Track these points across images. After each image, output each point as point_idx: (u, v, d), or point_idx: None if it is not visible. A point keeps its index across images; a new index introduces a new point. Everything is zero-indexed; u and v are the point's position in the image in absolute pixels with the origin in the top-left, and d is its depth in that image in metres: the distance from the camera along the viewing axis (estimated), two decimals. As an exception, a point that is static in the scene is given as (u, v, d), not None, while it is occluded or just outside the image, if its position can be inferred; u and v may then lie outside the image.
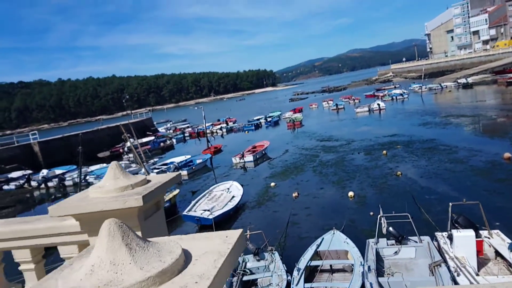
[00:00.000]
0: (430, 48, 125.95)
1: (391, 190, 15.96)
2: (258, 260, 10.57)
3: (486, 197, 12.94)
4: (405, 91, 58.96)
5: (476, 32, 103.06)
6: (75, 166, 34.09)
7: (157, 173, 26.90)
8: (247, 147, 32.65)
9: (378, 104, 45.26)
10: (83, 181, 28.23)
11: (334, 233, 11.08)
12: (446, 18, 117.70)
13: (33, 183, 30.01)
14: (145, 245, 1.19)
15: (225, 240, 1.38)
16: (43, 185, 29.49)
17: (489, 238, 9.16)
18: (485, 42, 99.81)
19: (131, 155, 40.35)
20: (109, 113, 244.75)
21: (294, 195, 17.17)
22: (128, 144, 45.52)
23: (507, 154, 17.11)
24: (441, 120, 31.60)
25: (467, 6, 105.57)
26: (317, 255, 10.33)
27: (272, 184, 19.76)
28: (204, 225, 14.84)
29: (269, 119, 53.01)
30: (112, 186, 2.13)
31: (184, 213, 15.24)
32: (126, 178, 2.23)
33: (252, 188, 19.49)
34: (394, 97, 54.71)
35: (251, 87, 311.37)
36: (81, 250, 2.40)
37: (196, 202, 16.44)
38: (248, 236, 11.01)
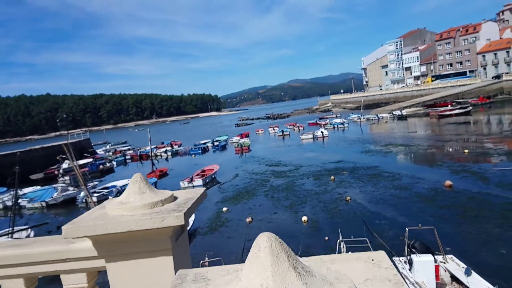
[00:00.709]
0: (366, 82, 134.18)
1: (343, 215, 16.26)
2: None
3: (433, 223, 13.55)
4: (345, 120, 61.87)
5: (408, 68, 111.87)
6: (5, 188, 31.28)
7: (98, 197, 25.39)
8: (195, 171, 31.99)
9: (322, 132, 46.87)
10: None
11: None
12: (381, 54, 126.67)
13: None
14: (309, 270, 0.94)
15: (375, 264, 1.15)
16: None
17: (444, 263, 9.49)
18: (417, 78, 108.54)
19: (67, 177, 37.88)
20: (41, 133, 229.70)
21: (247, 220, 16.88)
22: (64, 165, 42.81)
23: (448, 182, 18.26)
24: (381, 148, 33.29)
25: (401, 44, 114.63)
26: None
27: (224, 209, 19.34)
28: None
29: (216, 143, 52.60)
30: (138, 201, 1.81)
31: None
32: (153, 193, 1.91)
33: (204, 213, 18.88)
34: (336, 126, 57.07)
35: (195, 111, 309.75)
36: (91, 279, 2.00)
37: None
38: (206, 263, 10.52)
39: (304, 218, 15.98)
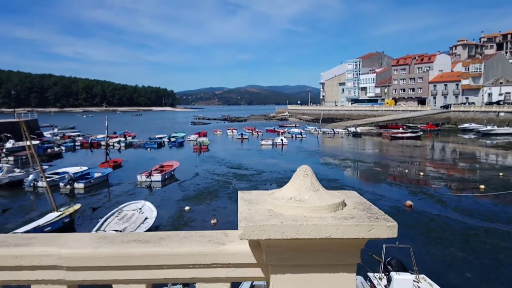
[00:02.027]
0: (323, 96, 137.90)
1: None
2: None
3: (399, 241, 13.96)
4: (303, 131, 63.03)
5: (364, 88, 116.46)
6: None
7: (49, 182, 23.67)
8: (151, 165, 30.85)
9: (282, 140, 47.32)
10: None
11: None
12: (340, 71, 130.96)
13: None
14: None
15: None
16: None
17: (417, 282, 9.68)
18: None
19: (10, 158, 35.12)
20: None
21: (212, 221, 16.42)
22: (8, 145, 39.71)
23: (408, 202, 18.93)
24: (340, 162, 34.11)
25: (359, 64, 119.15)
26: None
27: (187, 208, 18.71)
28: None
29: (173, 139, 51.27)
30: (317, 201, 1.47)
31: (93, 231, 13.32)
32: (327, 192, 1.59)
33: (164, 211, 18.12)
34: (294, 135, 57.89)
35: (148, 104, 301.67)
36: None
37: (105, 221, 14.60)
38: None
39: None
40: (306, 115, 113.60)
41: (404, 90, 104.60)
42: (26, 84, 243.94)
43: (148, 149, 44.95)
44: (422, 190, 22.87)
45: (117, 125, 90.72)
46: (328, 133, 63.32)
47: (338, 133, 63.56)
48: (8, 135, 41.59)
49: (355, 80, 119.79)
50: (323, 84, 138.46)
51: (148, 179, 25.30)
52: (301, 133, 58.94)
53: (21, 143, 42.81)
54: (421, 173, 27.83)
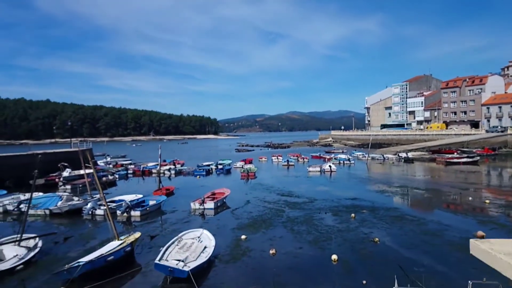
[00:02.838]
0: (369, 121, 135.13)
1: (374, 257, 15.31)
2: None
3: (476, 276, 12.72)
4: (350, 157, 61.52)
5: (412, 112, 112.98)
6: (5, 191, 30.10)
7: (104, 210, 24.26)
8: (201, 192, 31.05)
9: (330, 166, 46.28)
10: (15, 209, 24.74)
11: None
12: (385, 95, 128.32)
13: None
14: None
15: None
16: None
17: None
18: (420, 122, 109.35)
19: (68, 186, 36.68)
20: (36, 138, 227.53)
21: (271, 252, 15.88)
22: (65, 174, 41.55)
23: (480, 233, 17.46)
24: (397, 190, 32.59)
25: (406, 87, 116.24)
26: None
27: (243, 236, 18.32)
28: (177, 278, 12.94)
29: (220, 167, 51.68)
30: None
31: (156, 261, 13.23)
32: None
33: (221, 239, 17.79)
34: (342, 162, 56.55)
35: (193, 132, 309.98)
36: None
37: (166, 250, 14.49)
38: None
39: (334, 256, 15.01)
40: (351, 140, 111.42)
41: (455, 113, 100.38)
42: (79, 115, 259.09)
43: (198, 176, 45.48)
44: (491, 219, 21.14)
45: (165, 153, 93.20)
46: (378, 159, 61.34)
47: (388, 158, 61.43)
48: (66, 164, 43.61)
49: (402, 104, 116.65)
50: (368, 108, 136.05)
51: (201, 207, 25.33)
52: (349, 159, 57.48)
53: (76, 172, 44.83)
54: (487, 201, 25.89)
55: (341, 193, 30.83)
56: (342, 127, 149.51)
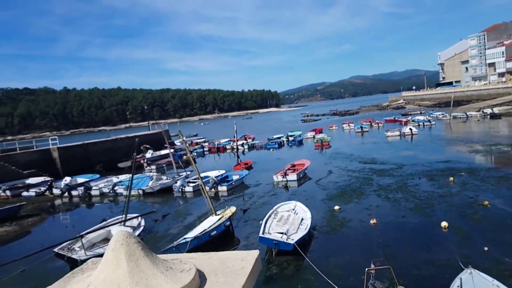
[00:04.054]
0: (443, 78, 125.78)
1: (489, 222, 13.95)
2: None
3: None
4: (429, 117, 57.67)
5: (492, 64, 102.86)
6: (97, 175, 32.18)
7: (193, 187, 25.01)
8: (278, 165, 30.96)
9: (410, 129, 43.69)
10: (111, 192, 26.29)
11: (471, 273, 9.05)
12: (461, 49, 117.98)
13: (55, 191, 27.87)
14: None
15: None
16: (66, 194, 27.34)
17: None
18: (501, 75, 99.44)
19: (153, 167, 38.40)
20: (111, 124, 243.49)
21: (372, 222, 15.13)
22: (148, 155, 43.63)
23: None
24: (491, 148, 29.84)
25: (484, 38, 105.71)
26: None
27: (336, 207, 17.73)
28: (282, 250, 12.77)
29: (291, 138, 51.16)
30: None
31: (260, 235, 13.16)
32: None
33: (313, 211, 17.17)
34: (421, 123, 53.16)
35: (255, 107, 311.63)
36: None
37: (266, 223, 14.38)
38: (373, 272, 8.99)
39: (444, 223, 13.91)
40: (425, 100, 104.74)
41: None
42: (149, 99, 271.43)
43: (271, 149, 45.42)
44: None
45: (232, 129, 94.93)
46: (460, 117, 56.89)
47: (471, 116, 56.68)
48: (147, 146, 45.73)
49: (481, 56, 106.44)
50: (442, 64, 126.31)
51: (284, 179, 25.11)
52: (429, 121, 53.84)
53: (157, 153, 46.94)
54: None
55: (430, 156, 28.86)
56: (414, 87, 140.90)
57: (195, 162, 18.19)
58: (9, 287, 12.44)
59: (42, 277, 13.01)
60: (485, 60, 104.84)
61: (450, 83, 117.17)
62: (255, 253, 1.76)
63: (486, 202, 15.93)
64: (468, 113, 58.00)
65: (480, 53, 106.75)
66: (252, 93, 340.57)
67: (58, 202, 26.59)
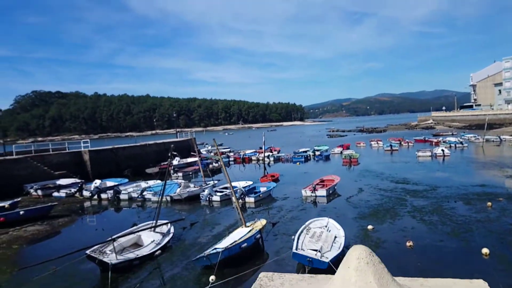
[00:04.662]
0: (475, 99, 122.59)
1: (535, 252, 13.18)
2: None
3: None
4: (461, 139, 56.04)
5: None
6: (126, 180, 32.53)
7: (221, 197, 24.90)
8: (305, 179, 30.74)
9: (443, 150, 42.51)
10: (139, 196, 26.47)
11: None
12: (494, 71, 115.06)
13: (85, 193, 28.33)
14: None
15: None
16: (95, 196, 27.75)
17: None
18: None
19: (180, 174, 38.62)
20: (138, 131, 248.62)
21: (408, 244, 14.55)
22: (175, 162, 43.97)
23: None
24: (530, 174, 28.57)
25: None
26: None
27: (370, 227, 17.19)
28: (315, 268, 12.38)
29: (318, 153, 50.64)
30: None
31: (294, 250, 12.84)
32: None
33: (345, 228, 16.73)
34: (453, 145, 51.67)
35: (279, 119, 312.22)
36: None
37: (298, 239, 14.05)
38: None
39: (485, 250, 13.22)
40: (456, 122, 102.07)
41: None
42: (176, 107, 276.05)
43: (298, 163, 45.02)
44: None
45: (257, 140, 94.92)
46: (494, 141, 55.00)
47: (505, 140, 54.72)
48: (175, 153, 46.14)
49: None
50: (473, 86, 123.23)
51: (313, 194, 24.70)
52: (461, 142, 52.29)
53: (184, 160, 47.27)
54: None
55: (464, 179, 27.86)
56: (444, 108, 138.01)
57: (227, 172, 17.94)
58: (40, 287, 12.51)
59: (73, 278, 13.08)
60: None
61: (470, 106, 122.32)
62: (481, 283, 1.41)
63: (530, 231, 15.11)
64: (502, 137, 56.03)
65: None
66: (277, 106, 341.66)
67: (87, 204, 26.97)
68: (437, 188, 25.01)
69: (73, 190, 28.98)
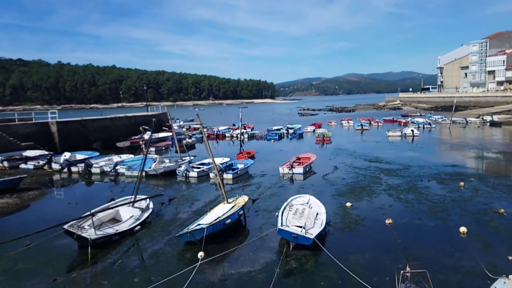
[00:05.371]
0: (441, 82, 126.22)
1: (509, 231, 13.75)
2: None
3: None
4: (429, 120, 57.81)
5: (491, 72, 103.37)
6: (97, 153, 31.42)
7: (198, 173, 24.56)
8: (281, 156, 30.92)
9: (412, 130, 43.65)
10: (112, 171, 25.68)
11: (506, 283, 8.79)
12: (461, 54, 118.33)
13: (54, 166, 27.14)
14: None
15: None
16: (65, 169, 26.65)
17: None
18: (500, 83, 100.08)
19: (152, 149, 37.70)
20: (104, 103, 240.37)
21: (387, 222, 14.85)
22: (146, 136, 42.85)
23: None
24: (498, 156, 29.85)
25: (486, 45, 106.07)
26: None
27: (348, 204, 17.44)
28: (299, 244, 12.43)
29: (291, 131, 50.84)
30: None
31: (279, 227, 12.77)
32: None
33: (325, 206, 16.83)
34: (421, 126, 53.24)
35: (250, 96, 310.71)
36: None
37: (282, 216, 14.02)
38: (408, 275, 8.70)
39: (463, 229, 13.69)
40: (422, 103, 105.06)
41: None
42: (143, 80, 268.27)
43: (272, 140, 45.05)
44: None
45: (229, 117, 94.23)
46: (460, 123, 57.10)
47: (471, 122, 56.94)
48: (146, 127, 45.00)
49: (481, 63, 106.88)
50: (441, 68, 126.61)
51: (290, 171, 24.80)
52: (429, 123, 53.93)
53: (155, 135, 46.17)
54: None
55: (435, 159, 28.79)
56: (411, 89, 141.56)
57: (209, 148, 17.52)
58: (15, 262, 11.90)
59: (50, 254, 12.56)
60: (485, 67, 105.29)
61: (427, 89, 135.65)
62: None
63: (502, 210, 15.76)
64: (468, 119, 58.25)
65: (481, 60, 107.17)
66: (248, 83, 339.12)
67: (57, 177, 25.89)
68: (409, 167, 25.69)
69: (41, 162, 27.71)
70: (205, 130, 54.37)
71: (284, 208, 14.88)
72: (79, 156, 29.01)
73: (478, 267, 10.73)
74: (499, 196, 18.33)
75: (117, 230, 13.75)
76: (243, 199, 16.03)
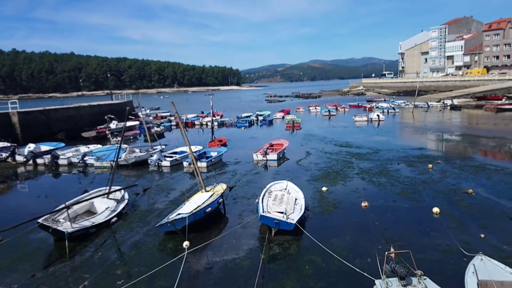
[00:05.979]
0: (403, 67, 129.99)
1: (479, 210, 14.38)
2: (404, 286, 8.55)
3: None
4: (393, 105, 59.55)
5: (450, 57, 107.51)
6: (63, 144, 30.21)
7: (171, 162, 24.15)
8: (252, 144, 31.03)
9: (378, 115, 44.84)
10: (80, 162, 24.79)
11: (482, 259, 9.26)
12: (421, 40, 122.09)
13: (18, 158, 25.86)
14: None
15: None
16: (31, 161, 25.46)
17: None
18: (458, 68, 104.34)
19: (119, 138, 36.58)
20: (63, 92, 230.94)
21: (363, 204, 15.25)
22: (112, 126, 41.59)
23: None
24: (460, 138, 31.24)
25: (445, 31, 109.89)
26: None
27: (324, 188, 17.75)
28: (281, 230, 12.55)
29: (261, 118, 50.92)
30: None
31: (261, 213, 12.80)
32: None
33: (304, 190, 17.14)
34: (386, 110, 54.77)
35: (216, 84, 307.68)
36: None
37: (262, 202, 14.06)
38: (392, 256, 8.97)
39: (436, 209, 14.26)
40: (384, 88, 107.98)
41: (497, 57, 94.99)
42: (104, 67, 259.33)
43: (242, 128, 44.97)
44: None
45: (196, 105, 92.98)
46: (422, 107, 59.21)
47: (432, 106, 59.19)
48: (112, 116, 43.66)
49: (440, 49, 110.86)
50: (402, 54, 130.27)
51: (264, 158, 24.90)
52: (393, 108, 55.60)
53: (121, 124, 44.89)
54: None
55: (402, 142, 29.79)
56: (373, 75, 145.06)
57: (186, 136, 17.21)
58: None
59: (25, 249, 12.09)
60: (445, 52, 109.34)
61: (384, 75, 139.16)
62: None
63: (470, 190, 16.52)
64: (429, 103, 60.48)
65: (440, 45, 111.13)
66: (213, 69, 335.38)
67: (21, 169, 24.74)
68: (379, 151, 26.42)
69: (4, 154, 26.34)
70: (173, 118, 53.66)
71: (264, 195, 14.92)
72: (44, 147, 27.77)
73: (454, 246, 11.25)
74: (466, 177, 19.21)
75: (93, 223, 13.34)
76: (221, 187, 15.94)
